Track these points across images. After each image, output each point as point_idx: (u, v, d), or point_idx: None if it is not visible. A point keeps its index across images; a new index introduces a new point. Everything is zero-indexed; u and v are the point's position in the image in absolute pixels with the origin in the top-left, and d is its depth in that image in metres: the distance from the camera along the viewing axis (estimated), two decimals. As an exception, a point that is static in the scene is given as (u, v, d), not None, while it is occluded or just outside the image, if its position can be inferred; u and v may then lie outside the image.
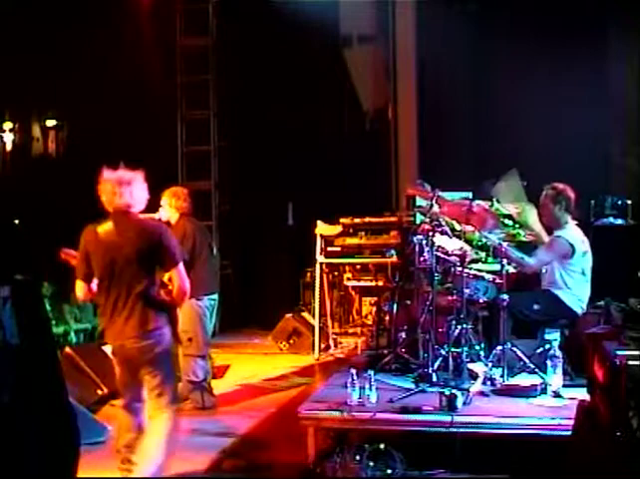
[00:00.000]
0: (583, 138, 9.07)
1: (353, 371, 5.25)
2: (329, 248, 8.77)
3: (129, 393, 4.78)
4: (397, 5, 10.69)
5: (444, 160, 9.86)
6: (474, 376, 5.66)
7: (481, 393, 5.41)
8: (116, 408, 6.63)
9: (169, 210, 6.67)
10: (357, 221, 8.83)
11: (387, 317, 7.05)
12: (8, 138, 11.87)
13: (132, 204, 4.62)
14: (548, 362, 5.31)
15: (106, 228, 4.62)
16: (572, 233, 6.00)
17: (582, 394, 4.26)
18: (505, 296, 5.64)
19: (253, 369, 8.20)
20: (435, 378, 5.65)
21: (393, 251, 8.07)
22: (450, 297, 6.07)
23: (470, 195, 6.69)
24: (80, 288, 4.67)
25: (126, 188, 4.57)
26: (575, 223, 6.10)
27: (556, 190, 6.05)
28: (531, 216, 6.48)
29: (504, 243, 5.93)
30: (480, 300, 6.06)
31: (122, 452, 4.82)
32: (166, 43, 11.20)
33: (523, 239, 6.51)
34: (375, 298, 8.93)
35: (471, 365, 5.78)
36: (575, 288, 5.96)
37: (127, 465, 4.82)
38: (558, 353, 5.30)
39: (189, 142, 11.42)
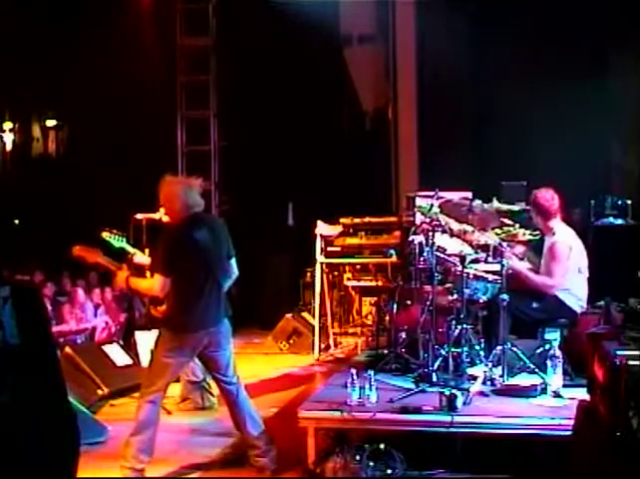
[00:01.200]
0: (583, 137, 9.08)
1: (353, 371, 5.24)
2: (329, 248, 8.74)
3: (164, 388, 4.99)
4: (397, 5, 10.71)
5: (443, 159, 9.86)
6: (474, 376, 5.66)
7: (482, 393, 5.40)
8: (117, 407, 6.69)
9: (170, 210, 6.65)
10: (357, 221, 8.81)
11: (387, 317, 7.03)
12: (8, 138, 11.89)
13: (200, 204, 5.08)
14: (548, 362, 5.30)
15: (190, 228, 4.96)
16: (564, 235, 5.99)
17: (582, 394, 4.24)
18: (505, 296, 5.64)
19: (253, 369, 8.18)
20: (435, 378, 5.63)
21: (393, 251, 8.06)
22: (450, 297, 6.06)
23: (469, 194, 6.69)
24: (163, 286, 4.88)
25: (194, 190, 5.07)
26: (563, 224, 6.09)
27: (532, 197, 6.08)
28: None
29: (523, 266, 5.99)
30: (480, 300, 6.06)
31: (132, 447, 4.84)
32: (167, 43, 11.22)
33: (523, 238, 6.49)
34: (375, 298, 8.92)
35: (470, 370, 5.77)
36: (573, 287, 5.95)
37: (131, 462, 4.83)
38: (558, 353, 5.29)
39: (189, 142, 11.42)
